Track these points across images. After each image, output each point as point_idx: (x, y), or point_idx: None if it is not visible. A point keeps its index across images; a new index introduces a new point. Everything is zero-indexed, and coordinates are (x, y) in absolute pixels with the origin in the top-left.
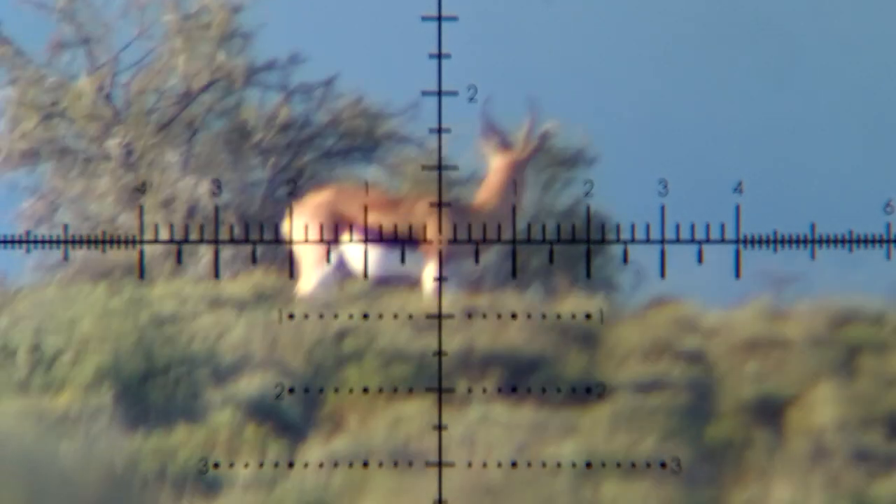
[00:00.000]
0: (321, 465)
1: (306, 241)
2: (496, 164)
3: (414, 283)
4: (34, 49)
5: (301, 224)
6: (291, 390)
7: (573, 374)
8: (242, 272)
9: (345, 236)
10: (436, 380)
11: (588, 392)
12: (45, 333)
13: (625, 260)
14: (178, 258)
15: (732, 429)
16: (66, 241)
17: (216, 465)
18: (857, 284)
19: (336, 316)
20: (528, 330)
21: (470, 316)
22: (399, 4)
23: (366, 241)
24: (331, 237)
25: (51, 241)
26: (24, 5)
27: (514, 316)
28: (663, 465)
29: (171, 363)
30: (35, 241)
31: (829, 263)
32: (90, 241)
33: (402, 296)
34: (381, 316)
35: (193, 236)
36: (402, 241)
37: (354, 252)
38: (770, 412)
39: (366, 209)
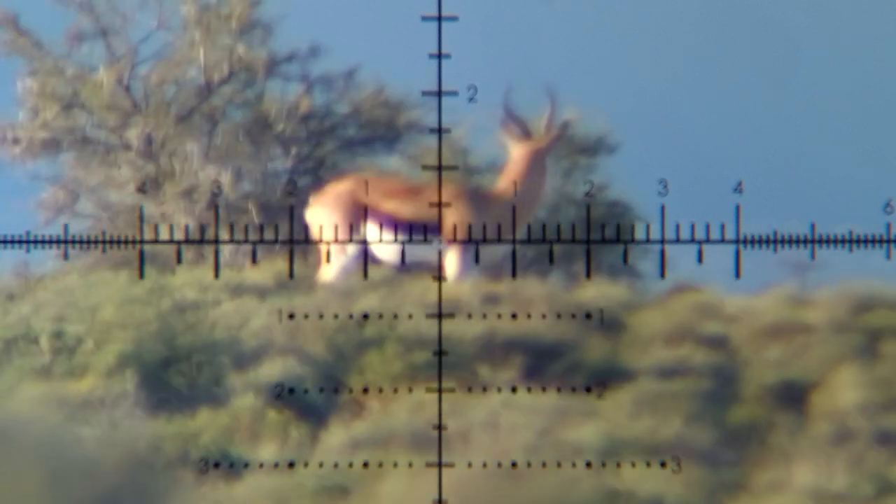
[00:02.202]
0: (345, 452)
1: (327, 229)
2: (516, 153)
3: (434, 270)
4: (53, 40)
5: (322, 213)
6: (292, 391)
7: (595, 360)
8: (264, 260)
9: (365, 225)
10: (457, 365)
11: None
12: (68, 320)
13: (625, 260)
14: (178, 259)
15: (755, 413)
16: (65, 241)
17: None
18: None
19: (360, 305)
20: (549, 316)
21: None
22: (399, 4)
23: (382, 228)
24: (352, 226)
25: (51, 241)
26: None
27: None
28: (663, 464)
29: (193, 349)
30: (35, 241)
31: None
32: (90, 242)
33: (423, 283)
34: (404, 304)
35: (210, 230)
36: (422, 228)
37: (375, 239)
38: (792, 396)
39: (385, 197)
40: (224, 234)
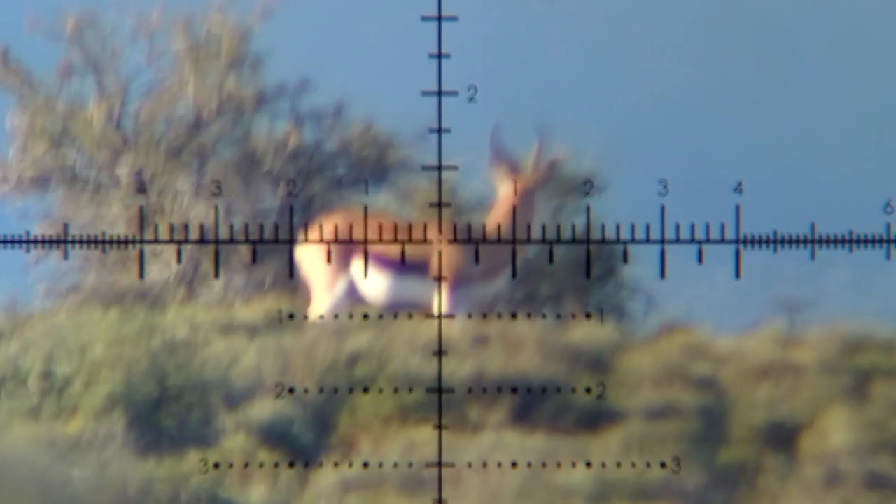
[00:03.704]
0: (336, 493)
1: (316, 266)
2: (505, 191)
3: (425, 309)
4: (44, 76)
5: (311, 251)
6: (291, 390)
7: (584, 400)
8: (254, 298)
9: (355, 262)
10: (447, 405)
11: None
12: (57, 359)
13: (625, 260)
14: (179, 259)
15: (745, 454)
16: (65, 241)
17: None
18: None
19: (351, 342)
20: (538, 356)
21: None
22: (399, 4)
23: (371, 266)
24: (341, 264)
25: (51, 241)
26: (34, 31)
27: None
28: (663, 464)
29: (184, 389)
30: (35, 241)
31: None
32: (91, 241)
33: (413, 322)
34: (395, 343)
35: (206, 261)
36: (411, 267)
37: (365, 278)
38: (782, 438)
39: (374, 235)
40: (211, 274)
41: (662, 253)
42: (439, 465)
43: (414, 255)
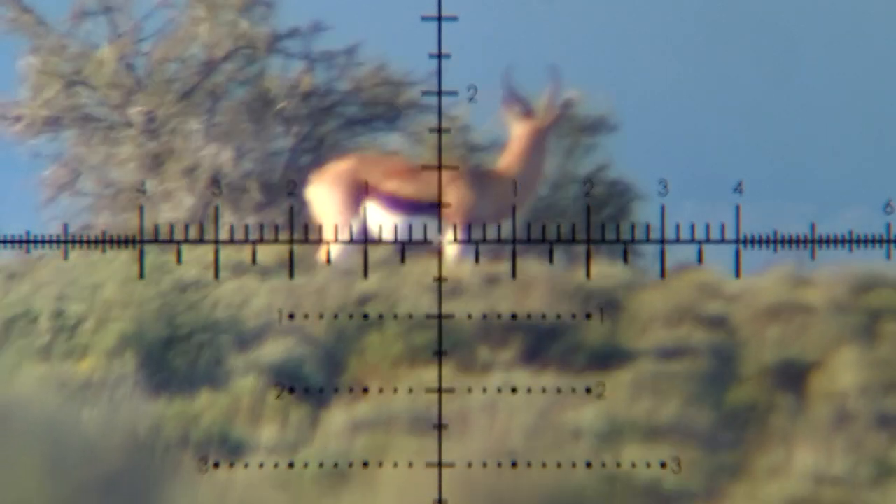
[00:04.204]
0: (346, 432)
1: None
2: (518, 132)
3: (435, 249)
4: (56, 18)
5: (323, 192)
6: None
7: (595, 340)
8: (266, 240)
9: (366, 204)
10: (457, 345)
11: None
12: (68, 300)
13: (625, 260)
14: (178, 259)
15: (755, 394)
16: (66, 241)
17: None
18: None
19: (362, 283)
20: (549, 296)
21: (490, 282)
22: (399, 4)
23: (383, 207)
24: (352, 205)
25: (51, 241)
26: None
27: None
28: (664, 464)
29: (194, 329)
30: (35, 241)
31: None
32: (91, 242)
33: (423, 263)
34: (403, 282)
35: (211, 209)
36: (423, 207)
37: (376, 219)
38: (792, 377)
39: (386, 177)
40: (226, 214)
41: (662, 253)
42: (439, 465)
43: (424, 196)
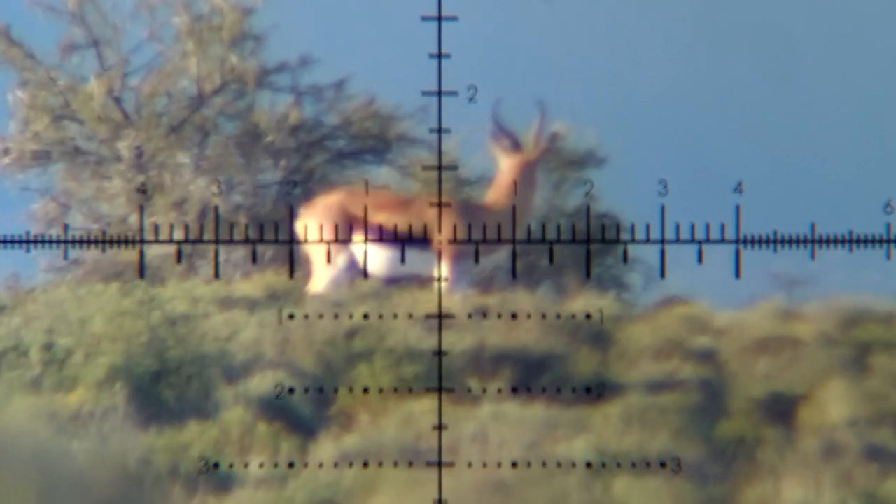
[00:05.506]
0: (335, 465)
1: (318, 240)
2: (506, 165)
3: (424, 282)
4: (45, 51)
5: (312, 224)
6: (291, 390)
7: (584, 372)
8: (254, 272)
9: (355, 236)
10: (447, 377)
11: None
12: (57, 333)
13: (625, 260)
14: (179, 258)
15: (743, 427)
16: (66, 241)
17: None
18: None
19: (351, 316)
20: (538, 329)
21: (483, 315)
22: (399, 4)
23: (372, 240)
24: (341, 237)
25: (52, 241)
26: (35, 8)
27: (515, 316)
28: (663, 464)
29: (183, 362)
30: (36, 241)
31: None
32: (91, 242)
33: (412, 295)
34: (395, 315)
35: (206, 237)
36: (412, 240)
37: (365, 251)
38: (781, 410)
39: (375, 209)
40: (213, 247)
41: (662, 253)
42: (439, 465)
43: (414, 229)
